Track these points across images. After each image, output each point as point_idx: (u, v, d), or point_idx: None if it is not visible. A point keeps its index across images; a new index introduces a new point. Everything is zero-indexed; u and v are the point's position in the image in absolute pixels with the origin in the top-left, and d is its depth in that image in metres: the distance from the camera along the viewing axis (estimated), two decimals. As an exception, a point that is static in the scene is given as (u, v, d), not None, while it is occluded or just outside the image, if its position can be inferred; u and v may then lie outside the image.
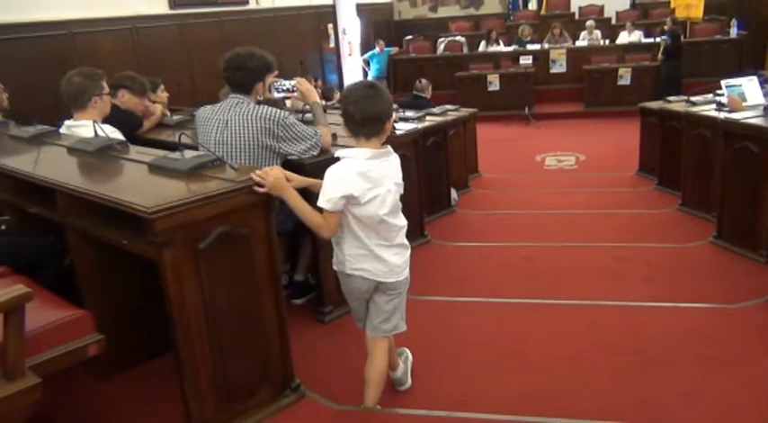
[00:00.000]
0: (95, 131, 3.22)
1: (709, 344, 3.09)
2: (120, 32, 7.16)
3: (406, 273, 2.52)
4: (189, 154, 2.70)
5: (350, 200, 2.32)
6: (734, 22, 10.89)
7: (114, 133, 3.38)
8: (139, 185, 2.59)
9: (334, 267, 2.55)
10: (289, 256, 3.78)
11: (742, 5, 12.45)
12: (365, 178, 2.32)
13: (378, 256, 2.42)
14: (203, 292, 2.38)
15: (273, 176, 2.44)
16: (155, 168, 2.71)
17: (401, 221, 2.48)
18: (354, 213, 2.36)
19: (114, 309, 2.92)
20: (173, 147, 3.04)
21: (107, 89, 3.55)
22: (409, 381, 2.88)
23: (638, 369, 2.91)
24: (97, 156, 3.05)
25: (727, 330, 3.21)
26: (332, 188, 2.31)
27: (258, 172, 2.45)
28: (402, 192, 2.48)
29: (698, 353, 3.01)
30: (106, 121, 3.50)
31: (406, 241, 2.52)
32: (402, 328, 2.60)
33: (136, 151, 3.11)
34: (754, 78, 5.14)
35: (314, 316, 3.54)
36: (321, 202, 2.34)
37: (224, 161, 2.66)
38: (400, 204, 2.47)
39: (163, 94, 4.85)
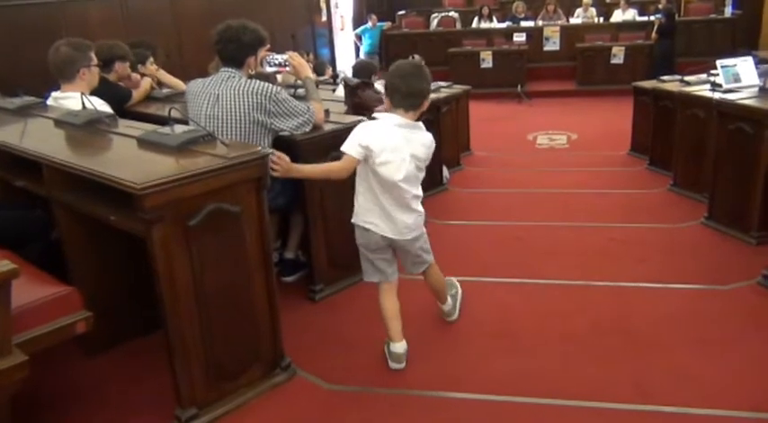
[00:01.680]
0: (83, 104, 3.16)
1: (701, 325, 3.10)
2: (109, 3, 7.03)
3: (414, 234, 2.78)
4: (179, 129, 2.64)
5: (368, 152, 2.60)
6: (728, 0, 10.84)
7: (103, 106, 3.31)
8: (128, 160, 2.54)
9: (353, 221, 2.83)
10: (280, 234, 3.75)
11: (737, -16, 12.37)
12: (386, 140, 2.60)
13: (388, 214, 2.70)
14: (193, 270, 2.35)
15: (286, 162, 2.66)
16: (144, 143, 2.65)
17: (416, 191, 2.73)
18: (375, 171, 2.63)
19: (104, 284, 2.89)
20: (162, 121, 2.98)
21: (95, 60, 3.47)
22: (456, 314, 3.23)
23: (630, 350, 2.91)
24: (85, 129, 3.00)
25: (719, 312, 3.21)
26: (355, 135, 2.63)
27: (274, 158, 2.62)
28: (422, 167, 2.72)
29: (690, 334, 3.02)
30: (94, 93, 3.43)
31: (420, 208, 2.78)
32: (430, 260, 2.96)
33: (124, 125, 3.05)
34: (749, 58, 5.11)
35: (305, 294, 3.52)
36: (343, 146, 2.65)
37: (215, 137, 2.61)
38: (420, 176, 2.73)
39: (152, 67, 4.76)
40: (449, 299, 3.22)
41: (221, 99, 3.10)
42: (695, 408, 2.50)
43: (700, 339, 2.97)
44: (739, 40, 10.59)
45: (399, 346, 2.85)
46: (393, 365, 2.86)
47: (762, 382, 2.64)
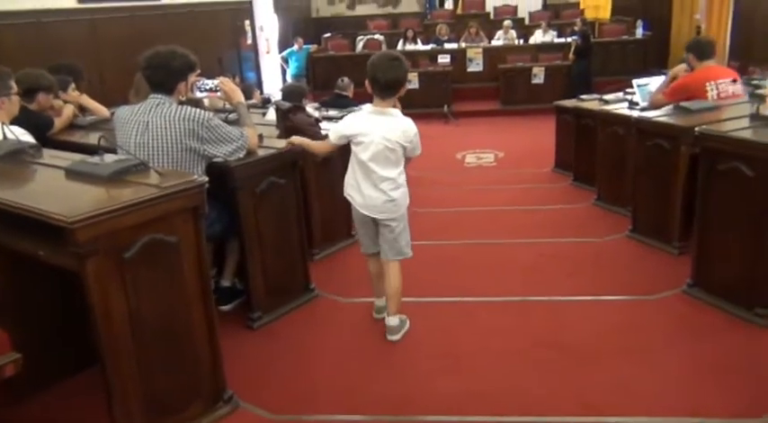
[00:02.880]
0: (4, 134, 3.02)
1: (634, 335, 3.20)
2: (26, 27, 6.77)
3: (383, 216, 3.14)
4: (109, 158, 2.56)
5: (346, 138, 3.12)
6: (639, 23, 11.43)
7: (25, 135, 3.18)
8: (57, 192, 2.44)
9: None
10: (215, 262, 3.67)
11: (646, 7, 13.06)
12: (359, 125, 3.08)
13: (360, 189, 3.13)
14: (129, 304, 2.27)
15: (299, 140, 3.46)
16: (72, 174, 2.55)
17: (386, 173, 3.08)
18: (353, 151, 3.13)
19: (30, 321, 2.75)
20: (87, 149, 2.88)
21: (16, 89, 3.33)
22: (399, 337, 3.27)
23: (569, 363, 2.98)
24: (7, 160, 2.85)
25: (649, 321, 3.33)
26: (337, 128, 3.20)
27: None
28: (395, 149, 3.05)
29: (623, 345, 3.12)
30: (14, 122, 3.29)
31: (392, 194, 3.11)
32: (407, 254, 3.28)
33: (50, 155, 2.93)
34: (662, 77, 5.37)
35: (243, 322, 3.44)
36: (330, 134, 3.25)
37: (148, 165, 2.54)
38: (391, 158, 3.07)
39: (74, 93, 4.61)
40: (397, 318, 3.29)
41: (151, 126, 3.02)
42: (637, 416, 2.58)
43: (634, 349, 3.07)
44: (650, 59, 11.16)
45: (380, 301, 3.43)
46: (375, 315, 3.45)
47: (695, 386, 2.76)
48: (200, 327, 2.52)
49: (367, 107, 3.16)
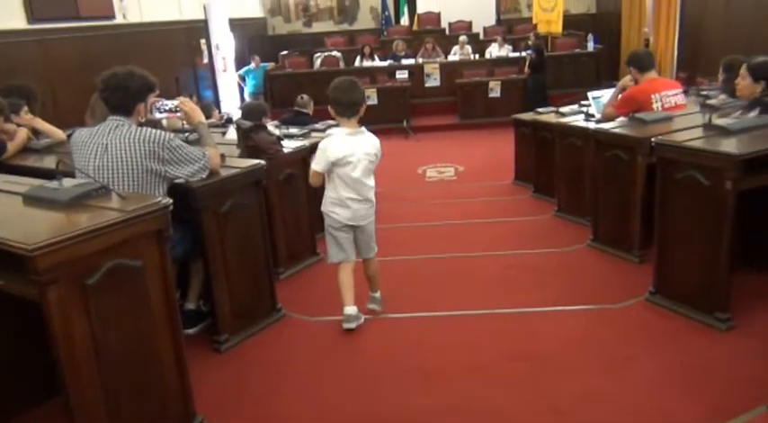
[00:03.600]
0: (-45, 160, 2.93)
1: (601, 344, 3.24)
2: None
3: (367, 220, 3.50)
4: (68, 182, 2.50)
5: (334, 163, 3.33)
6: (590, 36, 11.71)
7: (-24, 161, 3.09)
8: (14, 219, 2.37)
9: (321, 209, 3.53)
10: (178, 284, 3.59)
11: (596, 21, 13.43)
12: (342, 148, 3.33)
13: (347, 205, 3.41)
14: (93, 332, 2.20)
15: None
16: (31, 199, 2.49)
17: (371, 182, 3.46)
18: (338, 173, 3.37)
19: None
20: (41, 173, 2.80)
21: (-34, 114, 3.24)
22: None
23: (540, 375, 3.00)
24: (-40, 187, 2.77)
25: (614, 330, 3.38)
26: (322, 156, 3.36)
27: None
28: (374, 160, 3.43)
29: (592, 354, 3.15)
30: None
31: (372, 198, 3.48)
32: (375, 249, 3.65)
33: (5, 180, 2.85)
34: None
35: (209, 345, 3.38)
36: (313, 166, 3.41)
37: (110, 189, 2.49)
38: (371, 169, 3.44)
39: (27, 117, 4.49)
40: (378, 293, 3.73)
41: (110, 149, 2.95)
42: (607, 424, 2.61)
43: (602, 357, 3.11)
44: (602, 71, 11.43)
45: (350, 309, 3.48)
46: (344, 325, 3.46)
47: (662, 392, 2.80)
48: (167, 351, 2.46)
49: (339, 130, 3.41)
